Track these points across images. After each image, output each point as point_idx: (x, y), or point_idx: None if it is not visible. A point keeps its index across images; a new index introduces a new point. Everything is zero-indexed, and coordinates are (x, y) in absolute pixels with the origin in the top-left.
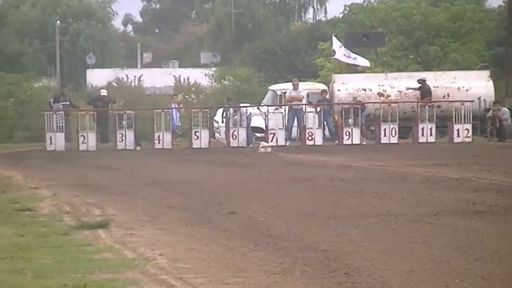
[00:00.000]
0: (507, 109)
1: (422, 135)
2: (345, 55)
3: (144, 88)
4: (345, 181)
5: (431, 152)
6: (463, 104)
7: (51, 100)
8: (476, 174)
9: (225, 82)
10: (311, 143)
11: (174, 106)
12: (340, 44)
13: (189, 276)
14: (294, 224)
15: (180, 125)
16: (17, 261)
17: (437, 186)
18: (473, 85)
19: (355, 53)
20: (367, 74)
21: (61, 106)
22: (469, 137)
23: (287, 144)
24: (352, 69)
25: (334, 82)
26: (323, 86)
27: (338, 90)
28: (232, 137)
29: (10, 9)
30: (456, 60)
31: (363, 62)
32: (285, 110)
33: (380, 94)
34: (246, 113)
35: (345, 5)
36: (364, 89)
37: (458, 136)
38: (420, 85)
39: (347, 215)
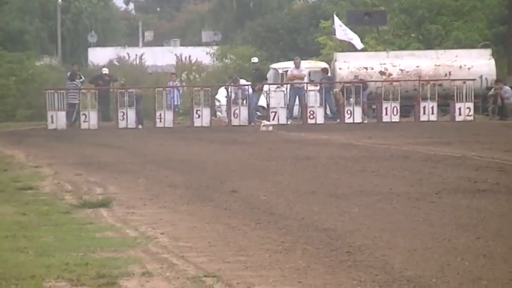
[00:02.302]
0: (509, 87)
1: (424, 113)
2: (344, 31)
3: (145, 66)
4: (346, 159)
5: (433, 131)
6: (464, 83)
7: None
8: (478, 153)
9: (226, 60)
10: (312, 121)
11: (172, 84)
12: (340, 22)
13: (190, 254)
14: (296, 202)
15: (179, 103)
16: (19, 239)
17: (439, 164)
18: (475, 63)
19: (354, 33)
20: (368, 53)
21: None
22: (470, 115)
23: (288, 122)
24: (354, 47)
25: (335, 60)
26: (324, 65)
27: (340, 68)
28: (234, 115)
29: None
30: (458, 38)
31: (358, 44)
32: (286, 88)
33: (382, 73)
34: (248, 91)
35: None
36: (366, 68)
37: (459, 114)
38: (256, 70)
39: (349, 194)
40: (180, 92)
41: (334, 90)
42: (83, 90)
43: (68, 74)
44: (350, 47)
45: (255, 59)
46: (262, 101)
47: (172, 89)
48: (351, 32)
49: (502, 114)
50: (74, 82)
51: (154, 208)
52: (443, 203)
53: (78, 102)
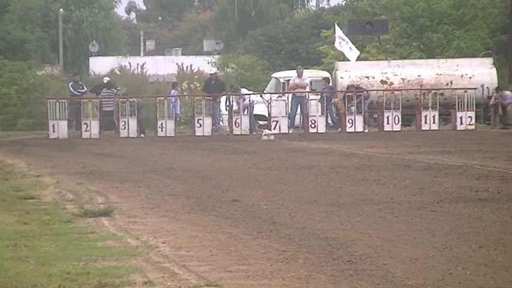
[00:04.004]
0: (509, 92)
1: (425, 122)
2: (343, 41)
3: (147, 76)
4: (348, 168)
5: (434, 140)
6: (466, 92)
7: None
8: (479, 162)
9: (228, 70)
10: (314, 130)
11: (174, 94)
12: (340, 33)
13: (192, 263)
14: (297, 211)
15: (180, 113)
16: (20, 248)
17: (440, 173)
18: (477, 72)
19: (354, 43)
20: (370, 62)
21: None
22: (472, 124)
23: (290, 131)
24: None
25: (337, 69)
26: (326, 74)
27: (341, 77)
28: (235, 124)
29: None
30: (459, 47)
31: (352, 55)
32: (288, 97)
33: (383, 82)
34: (249, 100)
35: None
36: (367, 77)
37: (461, 124)
38: (214, 80)
39: (350, 203)
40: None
41: (333, 100)
42: (84, 100)
43: (105, 82)
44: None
45: (212, 70)
46: (263, 110)
47: (175, 98)
48: (351, 43)
49: (504, 122)
50: (110, 90)
51: (155, 217)
52: (445, 212)
53: (112, 109)
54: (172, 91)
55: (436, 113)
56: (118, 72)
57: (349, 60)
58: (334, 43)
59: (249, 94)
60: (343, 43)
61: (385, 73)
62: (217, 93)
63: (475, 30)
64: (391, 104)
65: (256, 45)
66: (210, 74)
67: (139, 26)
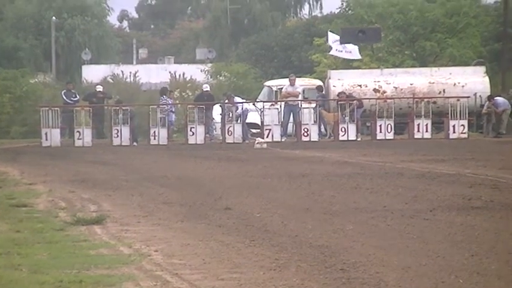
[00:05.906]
0: (502, 98)
1: (418, 131)
2: (337, 49)
3: (139, 84)
4: (341, 177)
5: (427, 148)
6: (458, 100)
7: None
8: (472, 170)
9: (220, 78)
10: (307, 139)
11: (171, 102)
12: (335, 38)
13: (184, 272)
14: (290, 219)
15: (174, 120)
16: (13, 256)
17: (433, 181)
18: (469, 81)
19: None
20: (362, 70)
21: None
22: (464, 133)
23: (283, 140)
24: (348, 65)
25: (329, 78)
26: (319, 82)
27: (334, 86)
28: (228, 133)
29: (6, 4)
30: (452, 55)
31: (356, 55)
32: (280, 105)
33: (376, 90)
34: (242, 108)
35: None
36: (360, 85)
37: (454, 132)
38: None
39: (343, 211)
40: (173, 109)
41: (320, 110)
42: (77, 108)
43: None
44: (344, 64)
45: (207, 88)
46: (255, 118)
47: (170, 106)
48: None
49: (497, 131)
50: (165, 98)
51: (148, 225)
52: (438, 220)
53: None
54: (168, 100)
55: (429, 122)
56: (111, 81)
57: (350, 67)
58: (329, 51)
59: (242, 102)
60: (340, 47)
61: (378, 81)
62: (208, 105)
63: (468, 39)
64: (383, 112)
65: (248, 53)
66: (204, 90)
67: (132, 34)
